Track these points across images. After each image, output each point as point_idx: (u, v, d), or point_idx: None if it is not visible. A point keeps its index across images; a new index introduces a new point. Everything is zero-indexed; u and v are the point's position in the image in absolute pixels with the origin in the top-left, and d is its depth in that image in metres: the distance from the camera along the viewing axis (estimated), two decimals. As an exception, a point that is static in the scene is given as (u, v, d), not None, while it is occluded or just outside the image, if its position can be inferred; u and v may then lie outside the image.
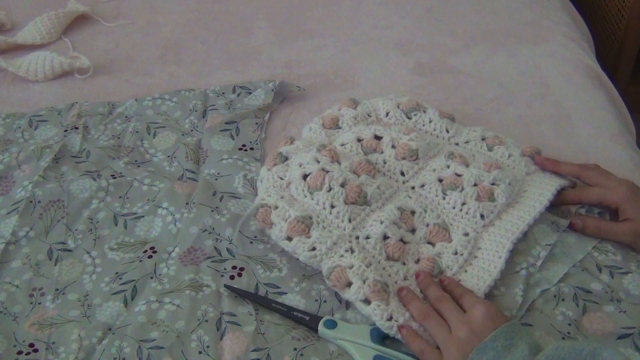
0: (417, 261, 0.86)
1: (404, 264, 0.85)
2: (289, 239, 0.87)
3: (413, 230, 0.89)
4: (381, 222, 0.86)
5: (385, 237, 0.86)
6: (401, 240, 0.86)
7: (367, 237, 0.86)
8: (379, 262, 0.85)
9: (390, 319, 0.79)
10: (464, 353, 0.73)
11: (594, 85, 1.22)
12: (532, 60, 1.27)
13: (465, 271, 0.85)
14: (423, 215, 0.89)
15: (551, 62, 1.27)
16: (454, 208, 0.90)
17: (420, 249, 0.87)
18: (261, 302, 0.84)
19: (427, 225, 0.89)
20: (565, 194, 0.94)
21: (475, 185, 0.91)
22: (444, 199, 0.91)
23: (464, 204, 0.90)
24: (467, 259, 0.86)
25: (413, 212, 0.89)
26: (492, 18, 1.40)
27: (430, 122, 1.03)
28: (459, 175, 0.92)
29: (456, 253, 0.86)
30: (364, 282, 0.81)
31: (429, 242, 0.88)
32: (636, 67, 1.92)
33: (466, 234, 0.88)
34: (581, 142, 1.08)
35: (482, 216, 0.89)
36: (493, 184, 0.91)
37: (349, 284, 0.82)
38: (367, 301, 0.81)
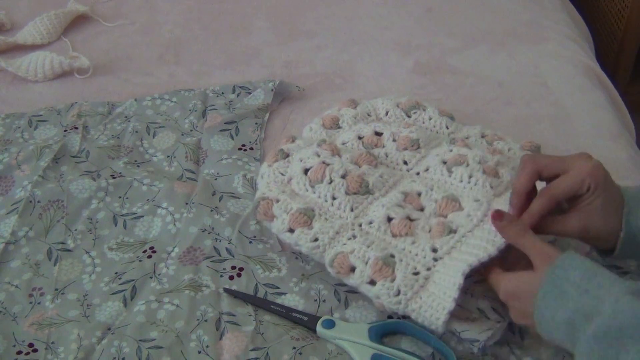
0: (429, 231, 0.83)
1: (413, 242, 0.82)
2: (291, 231, 0.87)
3: (422, 210, 0.87)
4: (383, 206, 0.86)
5: (390, 220, 0.85)
6: (407, 218, 0.85)
7: (370, 222, 0.85)
8: (384, 240, 0.83)
9: (398, 294, 0.78)
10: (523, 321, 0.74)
11: (594, 85, 1.22)
12: (532, 60, 1.27)
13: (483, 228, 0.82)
14: (430, 193, 0.87)
15: (551, 62, 1.27)
16: (461, 182, 0.88)
17: (431, 221, 0.84)
18: (260, 304, 0.84)
19: (436, 201, 0.87)
20: (538, 204, 0.79)
21: (479, 163, 0.89)
22: (449, 176, 0.90)
23: (470, 176, 0.88)
24: (481, 219, 0.82)
25: (419, 194, 0.88)
26: (492, 18, 1.40)
27: (430, 119, 1.03)
28: (464, 155, 0.91)
29: (469, 215, 0.83)
30: (366, 263, 0.81)
31: (440, 216, 0.85)
32: (636, 67, 1.92)
33: (477, 200, 0.85)
34: (581, 142, 1.08)
35: (491, 187, 0.87)
36: (497, 165, 0.90)
37: (353, 269, 0.82)
38: (372, 282, 0.80)
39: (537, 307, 0.69)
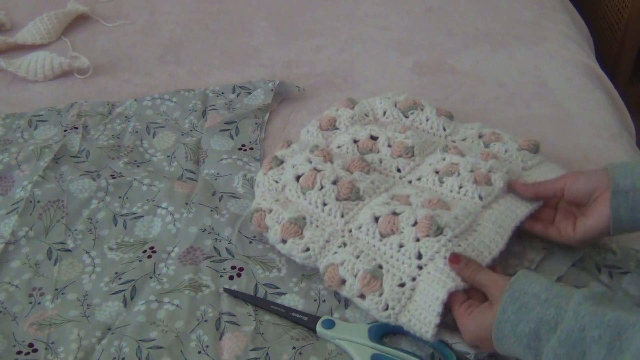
0: (415, 224, 0.83)
1: (400, 246, 0.82)
2: (284, 241, 0.87)
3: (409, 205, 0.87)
4: (370, 208, 0.86)
5: (377, 220, 0.85)
6: (393, 213, 0.85)
7: (360, 227, 0.86)
8: (373, 246, 0.84)
9: (386, 308, 0.79)
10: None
11: (594, 85, 1.22)
12: (532, 60, 1.27)
13: (466, 239, 0.82)
14: (420, 195, 0.88)
15: (551, 62, 1.27)
16: (451, 192, 0.89)
17: (418, 211, 0.84)
18: (260, 304, 0.84)
19: (425, 199, 0.87)
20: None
21: (471, 171, 0.90)
22: (440, 186, 0.91)
23: (461, 187, 0.89)
24: (469, 225, 0.83)
25: (408, 196, 0.88)
26: (492, 18, 1.40)
27: (427, 120, 1.03)
28: (455, 164, 0.92)
29: (457, 218, 0.83)
30: (355, 276, 0.81)
31: (428, 209, 0.85)
32: (636, 67, 1.92)
33: (465, 209, 0.86)
34: (581, 142, 1.08)
35: (480, 197, 0.88)
36: (490, 171, 0.90)
37: (344, 282, 0.82)
38: (362, 296, 0.81)
39: (497, 322, 0.71)
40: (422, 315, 0.77)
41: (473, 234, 0.83)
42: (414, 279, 0.80)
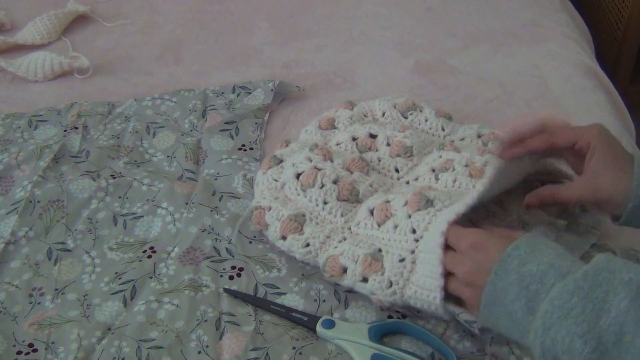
0: (405, 204, 0.83)
1: (395, 226, 0.82)
2: (284, 238, 0.87)
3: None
4: (366, 204, 0.87)
5: (372, 212, 0.85)
6: (385, 201, 0.85)
7: (358, 223, 0.86)
8: (372, 236, 0.84)
9: (390, 285, 0.79)
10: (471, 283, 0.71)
11: (594, 85, 1.22)
12: (532, 60, 1.27)
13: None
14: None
15: (551, 62, 1.27)
16: (445, 187, 0.89)
17: (408, 194, 0.84)
18: (260, 304, 0.84)
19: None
20: (534, 140, 0.83)
21: (466, 166, 0.90)
22: (436, 182, 0.91)
23: (455, 180, 0.89)
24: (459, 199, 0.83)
25: (403, 194, 0.88)
26: (492, 18, 1.40)
27: (426, 121, 1.03)
28: (451, 160, 0.92)
29: (448, 193, 0.84)
30: (356, 262, 0.81)
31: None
32: (636, 67, 1.92)
33: (455, 181, 0.87)
34: (581, 142, 1.08)
35: (474, 188, 0.87)
36: (485, 165, 0.90)
37: (345, 270, 0.82)
38: (365, 280, 0.81)
39: (505, 255, 0.67)
40: (426, 283, 0.76)
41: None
42: (412, 252, 0.79)
